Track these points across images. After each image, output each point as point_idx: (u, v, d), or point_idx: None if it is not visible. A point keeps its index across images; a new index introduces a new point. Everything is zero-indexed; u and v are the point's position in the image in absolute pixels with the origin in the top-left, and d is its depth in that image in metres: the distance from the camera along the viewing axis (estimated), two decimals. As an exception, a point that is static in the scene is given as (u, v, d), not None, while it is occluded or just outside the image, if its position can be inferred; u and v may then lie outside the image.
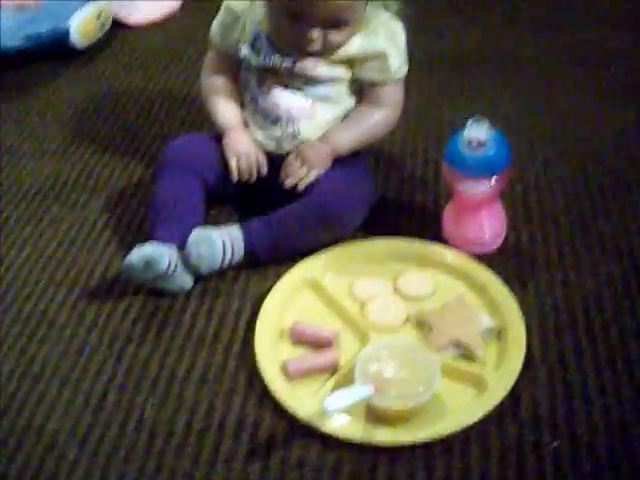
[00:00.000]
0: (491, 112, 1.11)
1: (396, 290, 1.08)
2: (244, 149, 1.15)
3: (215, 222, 1.18)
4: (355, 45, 1.09)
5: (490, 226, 1.12)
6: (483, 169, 1.04)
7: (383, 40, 1.09)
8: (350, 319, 1.04)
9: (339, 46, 1.07)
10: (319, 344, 1.00)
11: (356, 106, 1.15)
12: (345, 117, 1.15)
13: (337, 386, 0.94)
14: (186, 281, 1.09)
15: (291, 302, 1.07)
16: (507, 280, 1.07)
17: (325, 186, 1.10)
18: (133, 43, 1.78)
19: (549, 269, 1.11)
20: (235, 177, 1.16)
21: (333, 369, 0.97)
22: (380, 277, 1.09)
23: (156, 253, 1.03)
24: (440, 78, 1.56)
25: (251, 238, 1.10)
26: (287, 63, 1.10)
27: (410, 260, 1.11)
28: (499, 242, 1.14)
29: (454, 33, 1.72)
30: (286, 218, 1.11)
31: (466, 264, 1.09)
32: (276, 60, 1.10)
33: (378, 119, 1.14)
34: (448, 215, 1.14)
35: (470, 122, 1.02)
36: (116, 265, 1.16)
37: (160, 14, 1.85)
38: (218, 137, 1.19)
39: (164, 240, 1.08)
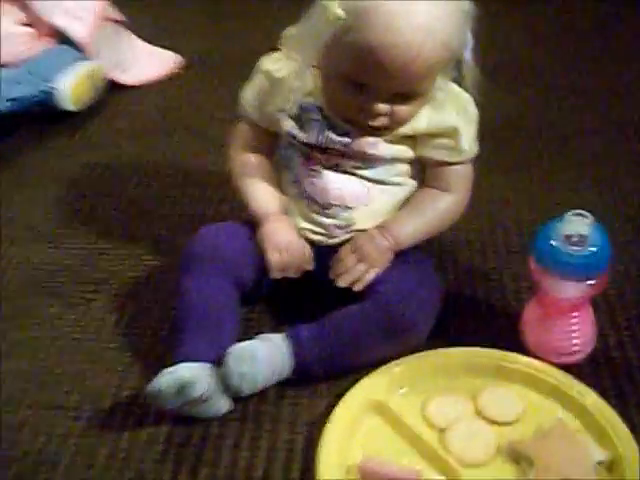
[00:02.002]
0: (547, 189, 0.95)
1: (478, 412, 0.90)
2: (286, 241, 0.98)
3: (246, 325, 1.00)
4: (422, 120, 0.92)
5: (580, 334, 0.95)
6: (582, 269, 0.88)
7: (454, 115, 0.93)
8: (429, 451, 0.85)
9: (406, 121, 0.91)
10: (397, 486, 0.81)
11: (418, 190, 0.99)
12: (406, 203, 0.98)
13: None
14: (223, 404, 0.90)
15: (355, 431, 0.88)
16: (602, 394, 0.90)
17: (390, 287, 0.93)
18: (130, 106, 1.60)
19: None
20: (276, 275, 0.97)
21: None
22: (457, 395, 0.91)
23: (191, 378, 0.84)
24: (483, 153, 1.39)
25: (301, 351, 0.91)
26: (343, 141, 0.93)
27: (489, 373, 0.93)
28: (589, 351, 0.97)
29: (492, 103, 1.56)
30: (343, 326, 0.92)
31: (557, 378, 0.91)
32: (330, 137, 0.93)
33: (446, 206, 0.97)
34: (530, 320, 0.97)
35: (570, 214, 0.86)
36: (133, 381, 0.96)
37: (159, 73, 1.68)
38: (253, 225, 1.01)
39: (197, 357, 0.88)
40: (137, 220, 1.26)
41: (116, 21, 1.65)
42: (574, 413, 0.89)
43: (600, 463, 0.83)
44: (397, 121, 0.90)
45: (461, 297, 1.06)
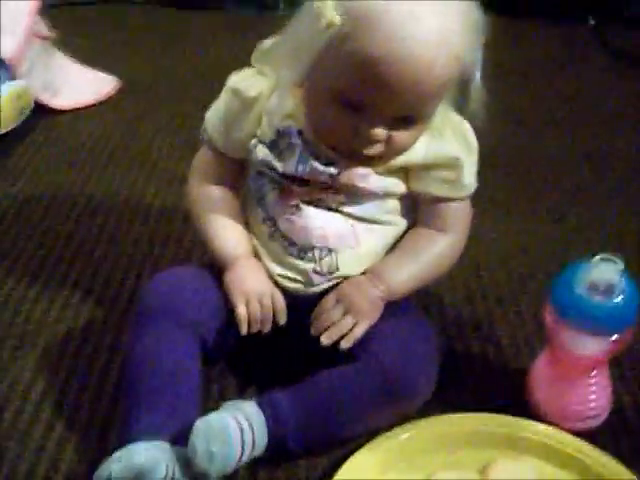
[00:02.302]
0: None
1: (490, 492, 0.76)
2: (256, 288, 0.82)
3: (205, 389, 0.83)
4: (419, 149, 0.79)
5: (598, 396, 0.83)
6: (608, 323, 0.76)
7: (455, 144, 0.80)
8: None
9: (404, 150, 0.77)
10: None
11: (410, 231, 0.85)
12: (395, 246, 0.85)
13: None
14: (184, 493, 0.73)
15: (347, 521, 0.73)
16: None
17: (386, 343, 0.78)
18: (61, 132, 1.42)
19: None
20: (244, 329, 0.82)
21: None
22: (462, 470, 0.77)
23: (149, 463, 0.68)
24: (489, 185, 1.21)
25: (278, 421, 0.76)
26: (329, 171, 0.79)
27: (498, 444, 0.80)
28: (606, 416, 0.84)
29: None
30: (328, 391, 0.77)
31: (577, 448, 0.78)
32: (314, 167, 0.79)
33: (444, 248, 0.84)
34: (540, 379, 0.84)
35: (598, 259, 0.74)
36: (67, 463, 0.78)
37: (94, 97, 1.51)
38: (215, 270, 0.86)
39: (152, 434, 0.72)
40: (71, 262, 1.08)
41: (45, 38, 1.48)
42: (598, 489, 0.76)
43: None
44: (394, 149, 0.76)
45: (453, 353, 0.93)
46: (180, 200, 1.22)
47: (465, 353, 0.94)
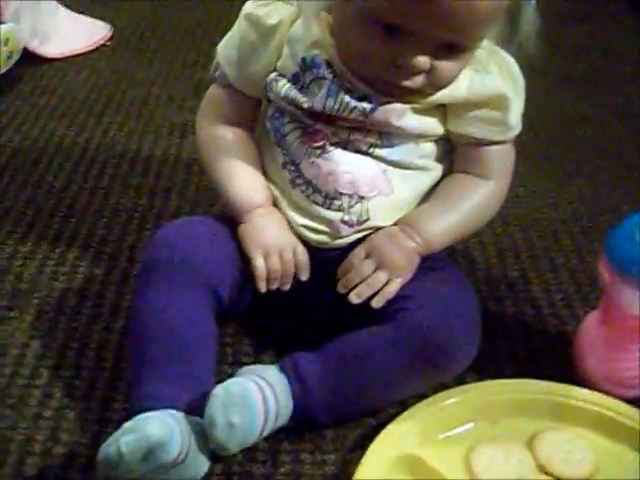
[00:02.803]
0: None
1: (540, 466, 0.68)
2: (276, 241, 0.74)
3: (219, 353, 0.75)
4: (463, 84, 0.70)
5: (653, 361, 0.75)
6: (676, 277, 0.68)
7: (502, 81, 0.71)
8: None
9: (448, 83, 0.68)
10: None
11: (447, 177, 0.76)
12: (431, 194, 0.76)
13: None
14: (200, 466, 0.65)
15: (384, 498, 0.65)
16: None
17: (422, 302, 0.70)
18: (51, 81, 1.32)
19: None
20: (262, 285, 0.73)
21: None
22: (508, 444, 0.69)
23: (163, 437, 0.59)
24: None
25: (303, 388, 0.67)
26: (363, 107, 0.70)
27: (545, 414, 0.72)
28: (658, 383, 0.77)
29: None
30: (359, 355, 0.69)
31: (631, 416, 0.70)
32: (346, 102, 0.69)
33: (486, 196, 0.75)
34: (590, 342, 0.76)
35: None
36: (67, 434, 0.70)
37: (86, 46, 1.41)
38: (229, 220, 0.77)
39: (164, 402, 0.64)
40: (65, 217, 0.99)
41: (34, -20, 1.37)
42: (659, 463, 0.69)
43: None
44: (437, 82, 0.67)
45: (487, 315, 0.84)
46: (181, 151, 1.14)
47: (500, 315, 0.86)
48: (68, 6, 1.50)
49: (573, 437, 0.70)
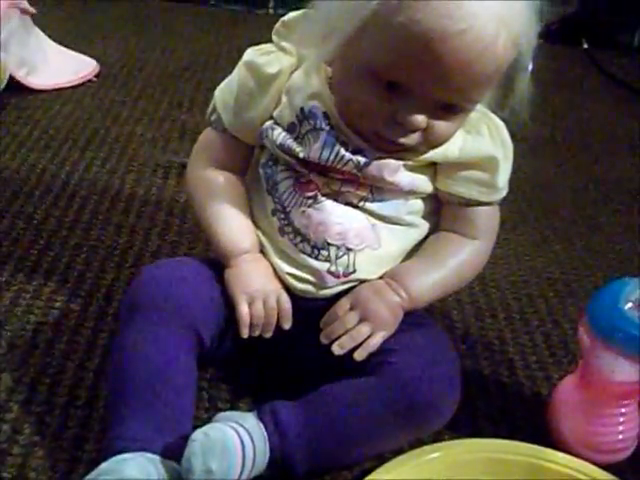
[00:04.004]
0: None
1: (512, 529, 0.68)
2: (261, 287, 0.74)
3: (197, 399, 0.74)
4: (456, 145, 0.72)
5: (628, 428, 0.75)
6: (653, 347, 0.69)
7: (492, 144, 0.73)
8: None
9: (442, 142, 0.70)
10: None
11: (434, 235, 0.77)
12: (416, 251, 0.77)
13: None
14: (173, 512, 0.64)
15: None
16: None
17: (405, 356, 0.70)
18: (35, 113, 1.32)
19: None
20: (245, 331, 0.73)
21: None
22: (482, 504, 0.70)
23: (141, 477, 0.58)
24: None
25: (282, 437, 0.67)
26: (358, 160, 0.71)
27: (519, 473, 0.72)
28: (631, 450, 0.77)
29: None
30: (339, 406, 0.68)
31: (604, 484, 0.72)
32: (341, 154, 0.71)
33: (470, 255, 0.76)
34: (565, 406, 0.77)
35: (649, 276, 0.68)
36: (37, 474, 0.68)
37: (72, 80, 1.41)
38: (214, 264, 0.77)
39: (142, 445, 0.63)
40: (43, 250, 0.98)
41: (25, 12, 1.38)
42: (632, 533, 0.69)
43: None
44: (432, 141, 0.68)
45: (464, 372, 0.83)
46: (164, 191, 1.14)
47: (476, 374, 0.86)
48: (56, 40, 1.50)
49: (547, 500, 0.71)
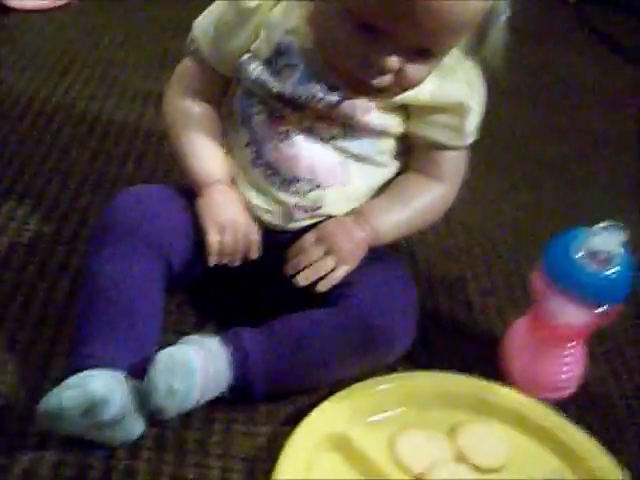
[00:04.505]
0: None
1: (458, 454, 0.72)
2: (231, 218, 0.76)
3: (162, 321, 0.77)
4: (427, 88, 0.73)
5: (572, 369, 0.80)
6: (600, 294, 0.72)
7: (465, 89, 0.75)
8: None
9: (414, 85, 0.71)
10: None
11: (402, 175, 0.79)
12: (384, 190, 0.79)
13: None
14: (135, 428, 0.67)
15: (310, 471, 0.67)
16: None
17: (365, 291, 0.73)
18: (14, 33, 1.31)
19: (634, 420, 0.81)
20: (213, 259, 0.75)
21: None
22: (431, 430, 0.73)
23: (104, 392, 0.61)
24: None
25: (242, 361, 0.70)
26: (330, 98, 0.72)
27: (468, 407, 0.76)
28: (573, 389, 0.82)
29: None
30: (300, 334, 0.72)
31: (549, 418, 0.75)
32: (314, 91, 0.72)
33: (436, 197, 0.79)
34: (516, 346, 0.81)
35: (602, 226, 0.71)
36: (4, 386, 0.71)
37: (53, 0, 1.39)
38: (187, 192, 0.79)
39: (108, 362, 0.65)
40: (19, 172, 0.99)
41: None
42: (568, 462, 0.73)
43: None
44: (404, 83, 0.70)
45: (423, 311, 0.86)
46: (142, 118, 1.15)
47: (435, 312, 0.90)
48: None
49: (490, 430, 0.75)
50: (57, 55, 1.27)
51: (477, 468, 0.71)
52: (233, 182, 0.78)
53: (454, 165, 0.79)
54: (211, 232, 0.75)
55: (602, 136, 1.38)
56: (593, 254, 0.71)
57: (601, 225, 0.70)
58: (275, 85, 0.73)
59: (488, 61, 0.74)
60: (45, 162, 1.01)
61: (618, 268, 0.71)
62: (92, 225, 0.89)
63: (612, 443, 0.76)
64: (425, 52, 0.67)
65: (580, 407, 0.81)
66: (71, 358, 0.69)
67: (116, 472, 0.65)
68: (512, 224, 1.08)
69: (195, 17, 0.79)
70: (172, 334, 0.78)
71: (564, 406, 0.79)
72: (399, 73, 0.68)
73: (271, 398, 0.73)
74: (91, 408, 0.60)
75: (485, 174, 1.17)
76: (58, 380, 0.64)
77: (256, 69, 0.74)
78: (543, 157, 1.27)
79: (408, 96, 0.73)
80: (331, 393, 0.73)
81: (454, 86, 0.74)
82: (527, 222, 1.09)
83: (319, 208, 0.77)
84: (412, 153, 0.79)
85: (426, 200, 0.79)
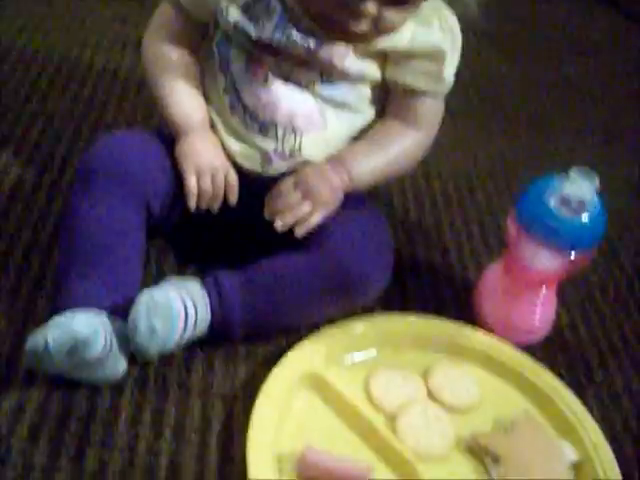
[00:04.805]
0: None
1: (430, 394, 0.75)
2: (210, 162, 0.77)
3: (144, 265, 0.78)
4: (405, 35, 0.74)
5: (543, 313, 0.82)
6: (572, 240, 0.74)
7: (441, 36, 0.75)
8: (379, 441, 0.69)
9: (391, 31, 0.72)
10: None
11: (379, 122, 0.80)
12: (362, 136, 0.80)
13: None
14: (118, 367, 0.69)
15: (288, 410, 0.70)
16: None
17: (341, 236, 0.75)
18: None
19: (604, 364, 0.84)
20: (192, 204, 0.76)
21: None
22: (405, 371, 0.76)
23: (88, 331, 0.63)
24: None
25: (222, 303, 0.72)
26: (308, 44, 0.73)
27: (441, 349, 0.79)
28: (545, 334, 0.84)
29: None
30: (278, 276, 0.73)
31: (519, 361, 0.78)
32: (292, 36, 0.72)
33: (413, 143, 0.80)
34: (489, 289, 0.83)
35: (573, 173, 0.72)
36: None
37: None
38: (167, 137, 0.79)
39: (90, 303, 0.67)
40: (6, 125, 0.99)
41: None
42: (537, 403, 0.76)
43: (572, 464, 0.71)
44: (381, 29, 0.70)
45: (399, 256, 0.89)
46: (122, 64, 1.14)
47: (411, 258, 0.92)
48: None
49: (463, 372, 0.77)
50: (35, 1, 1.26)
51: (449, 408, 0.74)
52: (212, 128, 0.79)
53: (431, 112, 0.80)
54: (190, 177, 0.76)
55: (578, 86, 1.39)
56: (566, 200, 0.72)
57: (574, 172, 0.72)
58: (253, 30, 0.73)
59: (466, 9, 0.74)
60: (25, 109, 1.01)
61: (590, 214, 0.73)
62: (73, 171, 0.90)
63: (582, 387, 0.80)
64: None
65: (551, 351, 0.84)
66: (55, 300, 0.70)
67: (100, 410, 0.68)
68: (488, 172, 1.10)
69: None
70: (153, 277, 0.80)
71: (535, 350, 0.82)
72: (377, 19, 0.69)
73: (250, 339, 0.76)
74: (75, 347, 0.62)
75: (462, 123, 1.18)
76: (43, 321, 0.66)
77: (234, 14, 0.74)
78: (520, 107, 1.28)
79: (386, 42, 0.73)
80: (308, 334, 0.76)
81: (431, 33, 0.75)
82: (503, 170, 1.11)
83: (297, 154, 0.77)
84: (389, 99, 0.80)
85: (403, 146, 0.80)
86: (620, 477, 0.70)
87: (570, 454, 0.71)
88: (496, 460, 0.69)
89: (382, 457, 0.69)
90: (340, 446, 0.68)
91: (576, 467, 0.71)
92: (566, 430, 0.73)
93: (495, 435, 0.71)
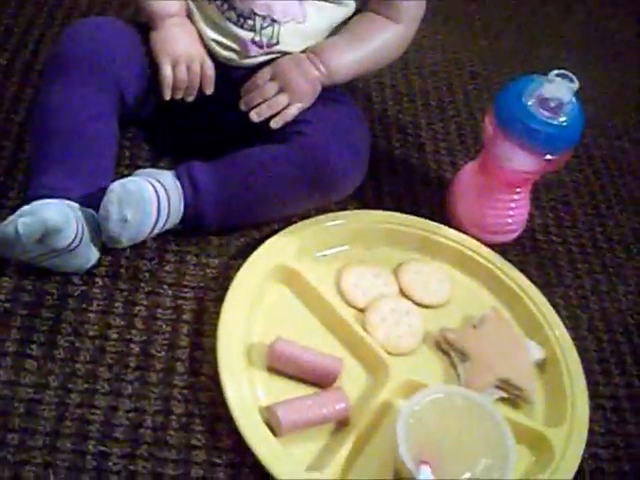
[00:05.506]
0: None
1: (401, 290, 0.76)
2: (185, 52, 0.75)
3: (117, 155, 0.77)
4: None
5: (517, 213, 0.83)
6: (549, 141, 0.73)
7: None
8: (349, 334, 0.71)
9: None
10: (314, 375, 0.67)
11: (359, 15, 0.78)
12: (342, 29, 0.78)
13: (354, 451, 0.63)
14: (90, 257, 0.69)
15: (259, 302, 0.71)
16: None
17: (318, 128, 0.74)
18: None
19: (574, 266, 0.86)
20: (167, 93, 0.75)
21: (342, 421, 0.65)
22: (376, 267, 0.77)
23: (59, 222, 0.62)
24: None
25: (195, 193, 0.71)
26: None
27: (412, 246, 0.80)
28: (517, 234, 0.85)
29: None
30: (252, 169, 0.73)
31: (489, 259, 0.79)
32: None
33: (393, 37, 0.78)
34: (464, 189, 0.83)
35: (554, 75, 0.71)
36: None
37: None
38: (142, 26, 0.77)
39: (62, 192, 0.66)
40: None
41: None
42: (506, 301, 0.77)
43: (538, 361, 0.73)
44: None
45: (376, 152, 0.88)
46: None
47: (387, 154, 0.91)
48: None
49: (434, 269, 0.78)
50: None
51: (419, 304, 0.75)
52: (189, 17, 0.76)
53: (412, 7, 0.78)
54: (165, 65, 0.74)
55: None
56: (544, 101, 0.72)
57: (554, 74, 0.71)
58: None
59: None
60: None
61: (568, 116, 0.72)
62: (45, 57, 0.87)
63: (551, 288, 0.81)
64: None
65: (523, 252, 0.85)
66: (26, 189, 0.69)
67: (72, 298, 0.68)
68: (468, 71, 1.08)
69: None
70: (126, 168, 0.79)
71: (507, 250, 0.83)
72: None
73: (222, 232, 0.76)
74: (46, 235, 0.62)
75: (445, 22, 1.16)
76: (14, 210, 0.65)
77: None
78: (503, 8, 1.25)
79: None
80: (281, 228, 0.76)
81: None
82: (483, 70, 1.09)
83: (275, 44, 0.75)
84: (369, -7, 0.78)
85: (382, 40, 0.78)
86: (583, 376, 0.73)
87: (536, 352, 0.73)
88: (463, 355, 0.71)
89: (351, 350, 0.70)
90: (310, 339, 0.69)
91: (541, 365, 0.73)
92: (533, 328, 0.75)
93: (463, 331, 0.73)
